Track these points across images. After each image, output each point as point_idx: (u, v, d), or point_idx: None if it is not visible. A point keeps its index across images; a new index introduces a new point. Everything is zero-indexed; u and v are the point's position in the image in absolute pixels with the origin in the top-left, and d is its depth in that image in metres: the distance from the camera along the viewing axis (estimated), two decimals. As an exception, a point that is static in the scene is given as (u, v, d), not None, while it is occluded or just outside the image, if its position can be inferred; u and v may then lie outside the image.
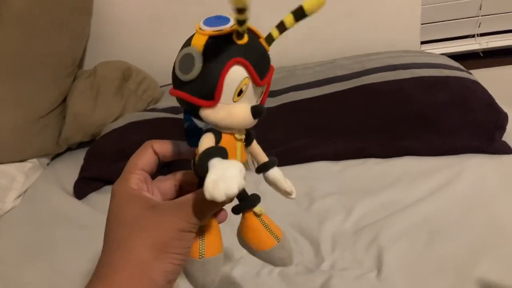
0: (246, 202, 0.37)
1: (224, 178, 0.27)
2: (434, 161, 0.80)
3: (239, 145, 0.33)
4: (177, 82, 0.31)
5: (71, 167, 0.94)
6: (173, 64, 0.31)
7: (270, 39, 0.32)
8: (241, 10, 0.25)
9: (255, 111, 0.31)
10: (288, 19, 0.31)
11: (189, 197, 0.31)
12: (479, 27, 1.28)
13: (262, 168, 0.37)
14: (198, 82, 0.29)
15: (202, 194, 0.27)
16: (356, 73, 0.97)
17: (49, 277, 0.68)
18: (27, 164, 0.96)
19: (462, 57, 1.26)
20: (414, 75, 0.92)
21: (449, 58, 1.06)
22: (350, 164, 0.83)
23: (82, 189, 0.86)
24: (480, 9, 1.25)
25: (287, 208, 0.72)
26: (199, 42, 0.29)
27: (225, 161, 0.29)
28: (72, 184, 0.87)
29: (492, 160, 0.78)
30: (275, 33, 0.31)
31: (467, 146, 0.81)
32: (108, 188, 0.87)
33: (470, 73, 0.98)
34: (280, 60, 1.15)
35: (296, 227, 0.69)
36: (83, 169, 0.89)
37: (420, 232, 0.65)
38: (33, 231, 0.79)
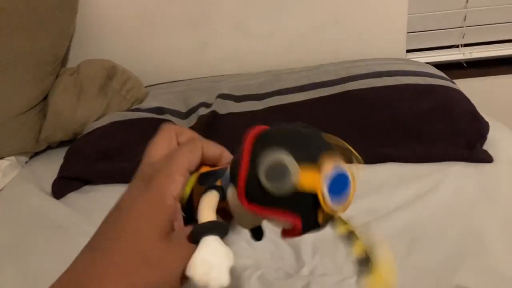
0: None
1: (218, 270, 0.25)
2: (416, 169, 0.80)
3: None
4: (257, 191, 0.27)
5: (50, 166, 0.92)
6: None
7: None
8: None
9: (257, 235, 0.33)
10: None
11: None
12: (463, 37, 1.30)
13: None
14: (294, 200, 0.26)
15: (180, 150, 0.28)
16: (342, 79, 0.98)
17: (22, 281, 0.66)
18: (4, 162, 0.93)
19: (446, 67, 1.27)
20: (399, 82, 0.93)
21: (433, 67, 1.07)
22: (333, 170, 0.83)
23: (61, 189, 0.84)
24: (465, 20, 1.27)
25: (269, 212, 0.71)
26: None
27: (218, 245, 0.26)
28: (51, 184, 0.85)
29: (473, 169, 0.79)
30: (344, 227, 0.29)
31: (449, 154, 0.82)
32: (88, 188, 0.85)
33: (454, 83, 0.99)
34: (266, 65, 1.15)
35: (277, 231, 0.68)
36: (62, 168, 0.87)
37: (400, 240, 0.65)
38: (8, 232, 0.76)
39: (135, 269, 0.25)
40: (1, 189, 0.90)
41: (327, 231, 0.67)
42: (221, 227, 0.27)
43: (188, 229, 0.27)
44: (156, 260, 0.25)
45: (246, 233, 0.66)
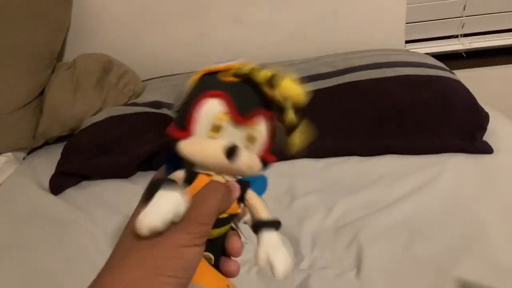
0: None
1: (151, 211, 0.26)
2: (416, 160, 0.80)
3: None
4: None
5: (48, 162, 0.92)
6: None
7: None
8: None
9: (228, 150, 0.28)
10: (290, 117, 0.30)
11: (191, 203, 0.28)
12: (462, 27, 1.29)
13: (256, 226, 0.32)
14: (179, 113, 0.29)
15: (204, 194, 0.27)
16: (340, 70, 0.97)
17: (20, 276, 0.65)
18: (1, 158, 0.93)
19: (445, 57, 1.26)
20: (398, 73, 0.92)
21: (432, 58, 1.06)
22: (332, 162, 0.83)
23: (58, 184, 0.84)
24: (464, 9, 1.26)
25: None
26: (194, 78, 0.30)
27: (163, 192, 0.27)
28: (49, 179, 0.84)
29: (472, 160, 0.79)
30: (290, 115, 0.30)
31: (449, 145, 0.81)
32: (85, 184, 0.85)
33: (453, 73, 0.98)
34: (264, 56, 1.14)
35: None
36: (60, 164, 0.87)
37: (400, 231, 0.65)
38: (6, 228, 0.76)
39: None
40: (-1, 185, 0.89)
41: (326, 224, 0.66)
42: (169, 181, 0.28)
43: None
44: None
45: (245, 228, 0.66)
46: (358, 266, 0.59)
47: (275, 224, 0.32)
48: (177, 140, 0.29)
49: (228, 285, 0.31)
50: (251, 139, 0.30)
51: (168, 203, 0.26)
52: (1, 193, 0.87)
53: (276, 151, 0.31)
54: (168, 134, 0.29)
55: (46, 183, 0.84)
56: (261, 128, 0.30)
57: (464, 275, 0.56)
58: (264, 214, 0.32)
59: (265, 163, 0.31)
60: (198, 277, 0.29)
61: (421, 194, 0.72)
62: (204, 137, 0.29)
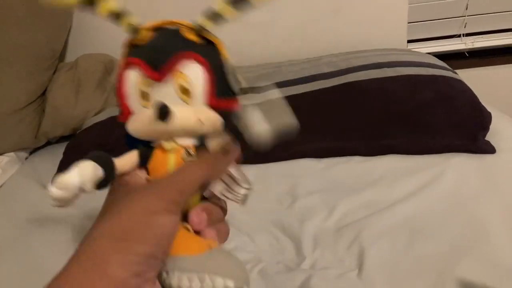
0: None
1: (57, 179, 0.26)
2: (418, 160, 0.80)
3: (172, 158, 0.28)
4: None
5: (50, 162, 0.92)
6: None
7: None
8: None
9: (156, 112, 0.26)
10: (225, 9, 0.29)
11: (175, 169, 0.27)
12: (465, 27, 1.29)
13: None
14: (116, 96, 0.29)
15: (189, 163, 0.26)
16: (342, 70, 0.97)
17: (22, 275, 0.66)
18: (4, 158, 0.93)
19: (447, 57, 1.26)
20: (400, 73, 0.92)
21: (435, 57, 1.06)
22: (334, 162, 0.82)
23: (60, 184, 0.84)
24: (467, 9, 1.25)
25: (269, 206, 0.71)
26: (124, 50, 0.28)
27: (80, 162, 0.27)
28: (51, 179, 0.85)
29: (475, 160, 0.78)
30: (203, 21, 0.29)
31: (451, 145, 0.81)
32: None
33: (455, 73, 0.98)
34: (266, 56, 1.14)
35: (277, 225, 0.68)
36: (62, 164, 0.87)
37: (402, 231, 0.64)
38: (8, 227, 0.76)
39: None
40: (1, 185, 0.89)
41: (328, 224, 0.66)
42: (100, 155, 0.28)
43: None
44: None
45: (247, 228, 0.65)
46: (360, 266, 0.59)
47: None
48: (126, 124, 0.28)
49: (209, 245, 0.28)
50: (184, 91, 0.27)
51: (76, 170, 0.26)
52: (3, 192, 0.87)
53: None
54: (119, 121, 0.28)
55: (48, 183, 0.85)
56: (191, 75, 0.27)
57: (466, 275, 0.56)
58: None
59: (220, 111, 0.28)
60: (175, 249, 0.27)
61: (423, 194, 0.71)
62: (140, 110, 0.27)
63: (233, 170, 0.30)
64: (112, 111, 0.95)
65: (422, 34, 1.30)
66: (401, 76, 0.91)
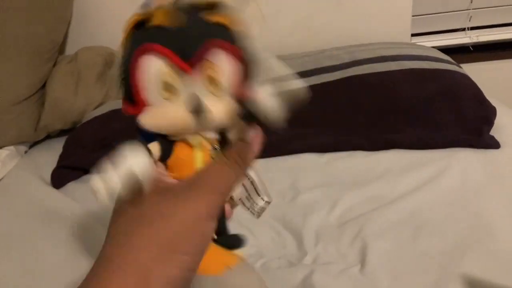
0: (224, 241, 0.29)
1: (112, 173, 0.22)
2: (421, 155, 0.79)
3: (199, 154, 0.27)
4: None
5: (50, 156, 0.91)
6: None
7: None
8: None
9: (192, 108, 0.24)
10: None
11: (207, 169, 0.24)
12: (469, 20, 1.27)
13: None
14: (123, 84, 0.25)
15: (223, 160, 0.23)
16: (345, 64, 0.95)
17: (23, 269, 0.65)
18: (3, 152, 0.93)
19: (452, 51, 1.25)
20: (403, 67, 0.90)
21: (439, 51, 1.04)
22: (336, 157, 0.82)
23: (60, 178, 0.83)
24: (471, 2, 1.24)
25: (271, 200, 0.70)
26: (123, 37, 0.25)
27: (128, 153, 0.23)
28: (50, 173, 0.84)
29: (479, 155, 0.77)
30: None
31: (455, 140, 0.80)
32: (87, 178, 0.84)
33: (460, 67, 0.97)
34: (269, 50, 1.13)
35: (279, 220, 0.68)
36: (62, 158, 0.86)
37: (405, 226, 0.64)
38: (8, 221, 0.76)
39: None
40: (1, 179, 0.89)
41: (330, 219, 0.66)
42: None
43: None
44: None
45: (248, 222, 0.64)
46: (362, 261, 0.58)
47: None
48: (136, 116, 0.25)
49: (227, 263, 0.27)
50: (213, 82, 0.25)
51: (134, 163, 0.23)
52: (2, 186, 0.86)
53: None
54: (124, 112, 0.26)
55: (48, 177, 0.84)
56: (220, 64, 0.25)
57: (470, 270, 0.55)
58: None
59: (245, 100, 0.26)
60: None
61: (427, 189, 0.71)
62: (161, 102, 0.25)
63: (256, 177, 0.29)
64: (113, 104, 0.94)
65: (426, 28, 1.29)
66: (405, 70, 0.90)
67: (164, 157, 0.26)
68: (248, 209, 0.30)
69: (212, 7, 0.25)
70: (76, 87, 0.96)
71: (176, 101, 0.25)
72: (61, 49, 1.09)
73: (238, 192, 0.29)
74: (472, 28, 1.29)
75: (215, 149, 0.27)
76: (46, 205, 0.78)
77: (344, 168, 0.78)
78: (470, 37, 1.28)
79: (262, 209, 0.30)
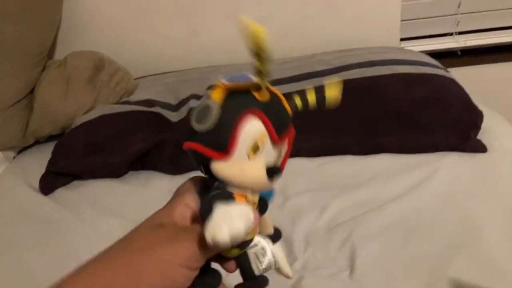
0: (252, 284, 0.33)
1: (229, 218, 0.25)
2: (410, 159, 0.79)
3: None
4: (191, 134, 0.28)
5: (38, 161, 0.90)
6: (189, 118, 0.30)
7: (292, 104, 0.31)
8: (259, 55, 0.26)
9: (272, 171, 0.28)
10: (311, 96, 0.31)
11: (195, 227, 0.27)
12: (457, 25, 1.29)
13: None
14: (213, 133, 0.27)
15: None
16: (335, 68, 0.96)
17: (10, 275, 0.64)
18: (-9, 157, 0.92)
19: (440, 55, 1.26)
20: (392, 71, 0.91)
21: (427, 56, 1.06)
22: (327, 161, 0.82)
23: (48, 184, 0.83)
24: (459, 7, 1.25)
25: (260, 205, 0.70)
26: (219, 95, 0.28)
27: (231, 204, 0.26)
28: (39, 179, 0.83)
29: (467, 158, 0.78)
30: (298, 101, 0.31)
31: (443, 144, 0.81)
32: (77, 183, 0.84)
33: (448, 71, 0.98)
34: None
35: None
36: (50, 163, 0.86)
37: (394, 230, 0.64)
38: (-5, 228, 0.75)
39: None
40: (-12, 185, 0.88)
41: (320, 224, 0.66)
42: (228, 193, 0.28)
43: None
44: None
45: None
46: (352, 266, 0.59)
47: (280, 236, 0.34)
48: (209, 159, 0.28)
49: None
50: (280, 156, 0.30)
51: (248, 215, 0.26)
52: (-10, 193, 0.86)
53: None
54: (204, 157, 0.28)
55: (36, 183, 0.83)
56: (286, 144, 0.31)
57: (458, 274, 0.56)
58: (271, 229, 0.33)
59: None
60: None
61: (416, 193, 0.71)
62: (244, 159, 0.28)
63: (268, 245, 0.33)
64: (102, 109, 0.94)
65: (415, 32, 1.30)
66: (394, 74, 0.91)
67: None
68: (254, 264, 0.33)
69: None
70: (65, 92, 0.96)
71: (256, 162, 0.28)
72: (50, 53, 1.08)
73: (254, 246, 0.32)
74: (460, 33, 1.30)
75: (258, 209, 0.31)
76: (34, 211, 0.77)
77: (334, 173, 0.79)
78: (458, 41, 1.29)
79: (265, 270, 0.34)
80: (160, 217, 0.29)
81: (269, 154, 0.29)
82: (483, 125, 0.84)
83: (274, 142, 0.29)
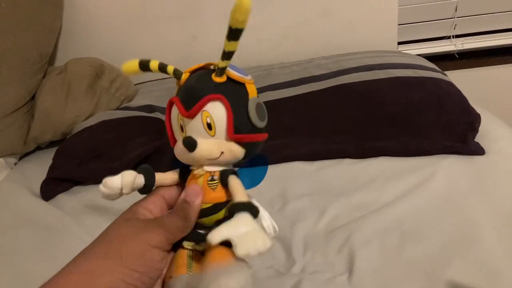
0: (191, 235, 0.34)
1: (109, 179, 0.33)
2: (408, 162, 0.80)
3: (200, 181, 0.34)
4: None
5: (39, 167, 0.91)
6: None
7: (219, 70, 0.33)
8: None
9: (184, 144, 0.31)
10: (227, 45, 0.32)
11: (167, 215, 0.32)
12: (454, 28, 1.30)
13: (230, 211, 0.31)
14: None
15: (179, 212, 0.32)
16: (333, 72, 0.97)
17: (10, 282, 0.65)
18: (-8, 164, 0.92)
19: (437, 58, 1.27)
20: (390, 75, 0.92)
21: (425, 59, 1.06)
22: (325, 165, 0.82)
23: (50, 190, 0.83)
24: (456, 10, 1.26)
25: (260, 209, 0.71)
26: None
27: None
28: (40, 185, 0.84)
29: (465, 161, 0.79)
30: (221, 63, 0.33)
31: (441, 147, 0.81)
32: (77, 189, 0.84)
33: (445, 74, 0.99)
34: (257, 59, 1.14)
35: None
36: (51, 169, 0.86)
37: (392, 234, 0.64)
38: (-3, 234, 0.75)
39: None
40: (-10, 192, 0.88)
41: (318, 228, 0.66)
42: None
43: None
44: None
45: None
46: (350, 270, 0.59)
47: (248, 207, 0.31)
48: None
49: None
50: (209, 127, 0.32)
51: (119, 176, 0.33)
52: (-8, 199, 0.86)
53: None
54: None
55: (38, 189, 0.84)
56: (215, 113, 0.32)
57: (456, 277, 0.56)
58: (240, 198, 0.32)
59: (242, 144, 0.33)
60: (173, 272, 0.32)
61: (413, 196, 0.71)
62: (179, 139, 0.34)
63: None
64: (102, 115, 0.94)
65: (412, 36, 1.31)
66: (391, 78, 0.91)
67: (182, 181, 0.35)
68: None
69: (221, 72, 0.33)
70: (65, 98, 0.96)
71: (180, 138, 0.33)
72: (51, 60, 1.09)
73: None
74: (457, 36, 1.31)
75: (213, 179, 0.34)
76: (35, 217, 0.78)
77: (333, 176, 0.79)
78: (455, 44, 1.30)
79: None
80: (133, 210, 0.33)
81: (193, 128, 0.32)
82: (481, 128, 0.84)
83: (186, 116, 0.32)
